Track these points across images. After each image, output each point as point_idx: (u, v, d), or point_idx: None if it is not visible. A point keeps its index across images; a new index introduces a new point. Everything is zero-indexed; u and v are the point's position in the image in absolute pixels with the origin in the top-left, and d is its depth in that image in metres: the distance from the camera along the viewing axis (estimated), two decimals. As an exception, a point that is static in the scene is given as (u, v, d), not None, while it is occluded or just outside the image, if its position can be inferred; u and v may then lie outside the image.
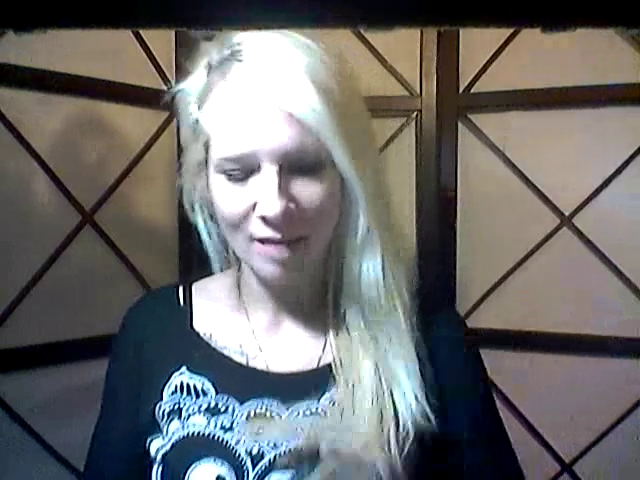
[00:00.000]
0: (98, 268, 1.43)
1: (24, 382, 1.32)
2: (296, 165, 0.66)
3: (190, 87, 0.72)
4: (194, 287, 0.85)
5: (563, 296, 1.56)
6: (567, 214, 1.55)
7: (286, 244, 0.68)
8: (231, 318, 0.80)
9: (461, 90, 1.61)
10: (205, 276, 0.84)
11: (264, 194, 0.66)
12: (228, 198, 0.69)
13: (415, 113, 1.63)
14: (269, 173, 0.66)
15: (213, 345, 0.78)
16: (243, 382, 0.75)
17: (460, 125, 1.62)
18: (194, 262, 0.81)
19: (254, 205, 0.67)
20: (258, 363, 0.76)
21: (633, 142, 1.50)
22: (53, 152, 1.35)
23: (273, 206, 0.65)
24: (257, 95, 0.65)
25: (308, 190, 0.68)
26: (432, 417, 0.69)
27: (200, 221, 0.79)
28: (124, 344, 0.83)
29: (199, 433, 0.72)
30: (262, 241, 0.68)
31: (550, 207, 1.56)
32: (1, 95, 1.27)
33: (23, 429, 1.31)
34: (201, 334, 0.79)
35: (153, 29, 0.19)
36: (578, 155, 1.54)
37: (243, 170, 0.67)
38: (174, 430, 0.73)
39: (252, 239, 0.69)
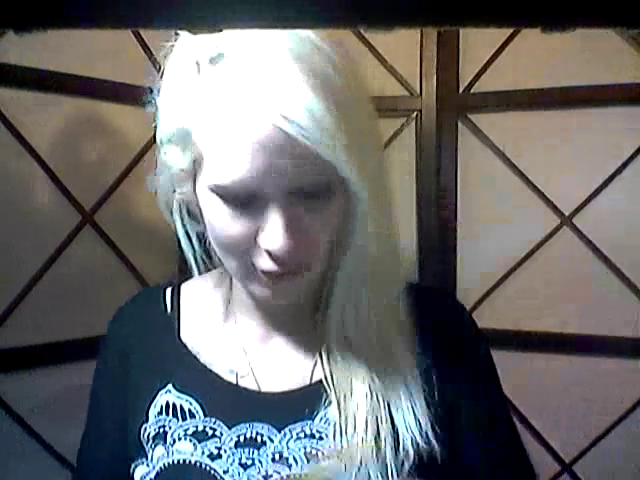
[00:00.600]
0: (98, 268, 1.43)
1: (24, 382, 1.32)
2: (303, 193, 0.60)
3: (178, 87, 0.63)
4: (183, 290, 0.80)
5: (563, 296, 1.56)
6: (567, 214, 1.55)
7: (287, 274, 0.63)
8: (220, 329, 0.76)
9: (461, 90, 1.61)
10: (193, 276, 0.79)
11: (269, 228, 0.60)
12: (226, 223, 0.62)
13: (415, 113, 1.63)
14: (274, 206, 0.59)
15: (201, 361, 0.73)
16: (233, 404, 0.70)
17: (460, 125, 1.62)
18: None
19: (256, 231, 0.61)
20: (248, 382, 0.71)
21: (633, 142, 1.50)
22: (53, 152, 1.35)
23: (279, 241, 0.59)
24: (259, 115, 0.56)
25: (316, 218, 0.62)
26: (433, 436, 0.64)
27: (178, 223, 0.71)
28: (109, 354, 0.79)
29: (185, 461, 0.67)
30: (263, 272, 0.63)
31: (550, 207, 1.56)
32: (1, 95, 1.27)
33: (23, 429, 1.31)
34: (189, 347, 0.74)
35: (153, 29, 0.19)
36: (578, 155, 1.54)
37: (243, 198, 0.60)
38: (159, 457, 0.69)
39: (253, 267, 0.63)
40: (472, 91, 1.61)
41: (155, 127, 0.67)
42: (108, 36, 1.26)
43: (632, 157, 1.50)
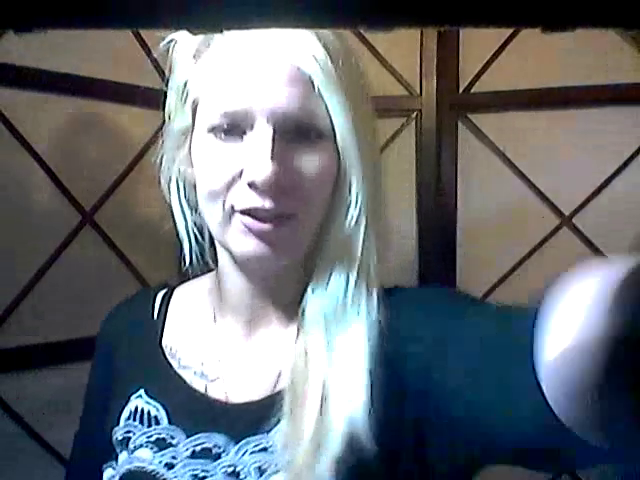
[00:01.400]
0: (98, 268, 1.43)
1: (24, 382, 1.31)
2: (293, 129, 0.60)
3: (187, 40, 0.66)
4: (175, 294, 0.79)
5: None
6: (567, 214, 1.55)
7: (272, 219, 0.61)
8: (203, 332, 0.74)
9: (461, 90, 1.61)
10: (195, 275, 0.78)
11: (255, 156, 0.59)
12: (213, 160, 0.62)
13: (415, 113, 1.63)
14: (263, 133, 0.59)
15: (175, 367, 0.72)
16: (196, 413, 0.68)
17: (460, 125, 1.62)
18: (193, 263, 0.76)
19: (241, 172, 0.60)
20: (217, 389, 0.69)
21: (633, 142, 1.50)
22: (53, 152, 1.35)
23: (263, 169, 0.58)
24: (261, 46, 0.60)
25: (304, 159, 0.61)
26: (374, 452, 0.58)
27: (175, 201, 0.71)
28: (99, 353, 0.80)
29: (142, 469, 0.66)
30: (245, 213, 0.61)
31: (550, 207, 1.56)
32: (1, 95, 1.27)
33: (22, 429, 1.31)
34: (167, 353, 0.73)
35: (153, 29, 0.20)
36: (578, 155, 1.54)
37: (234, 129, 0.61)
38: (122, 462, 0.68)
39: (234, 210, 0.62)
40: (472, 91, 1.61)
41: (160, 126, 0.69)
42: (108, 36, 1.26)
43: (632, 157, 1.50)
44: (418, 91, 1.63)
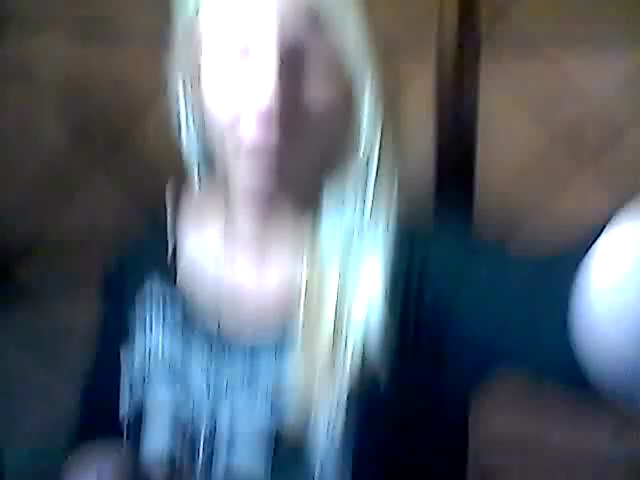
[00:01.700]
0: (110, 215, 1.44)
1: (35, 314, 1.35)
2: (301, 57, 0.59)
3: None
4: (188, 224, 0.78)
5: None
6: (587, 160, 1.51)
7: (277, 150, 0.60)
8: (213, 268, 0.74)
9: (483, 31, 1.55)
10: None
11: (259, 84, 0.58)
12: (220, 94, 0.62)
13: (434, 56, 1.58)
14: (268, 60, 0.58)
15: (189, 304, 0.73)
16: (210, 349, 0.70)
17: (481, 66, 1.57)
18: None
19: (248, 104, 0.60)
20: (230, 325, 0.70)
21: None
22: (64, 100, 1.35)
23: (268, 96, 0.57)
24: None
25: (312, 87, 0.60)
26: (382, 373, 0.60)
27: (185, 132, 0.71)
28: (109, 292, 0.82)
29: (159, 404, 0.71)
30: (253, 148, 0.61)
31: (570, 153, 1.52)
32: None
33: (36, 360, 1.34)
34: (181, 290, 0.74)
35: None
36: (603, 102, 1.49)
37: (239, 57, 0.60)
38: (138, 399, 0.72)
39: (241, 146, 0.61)
40: (493, 33, 1.55)
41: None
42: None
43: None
44: (437, 33, 1.57)
